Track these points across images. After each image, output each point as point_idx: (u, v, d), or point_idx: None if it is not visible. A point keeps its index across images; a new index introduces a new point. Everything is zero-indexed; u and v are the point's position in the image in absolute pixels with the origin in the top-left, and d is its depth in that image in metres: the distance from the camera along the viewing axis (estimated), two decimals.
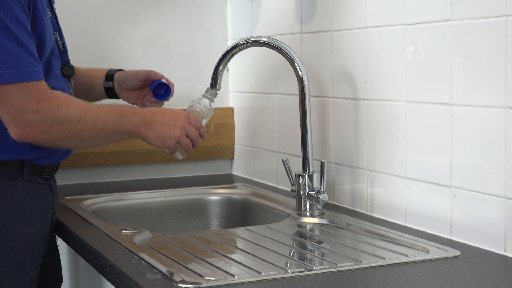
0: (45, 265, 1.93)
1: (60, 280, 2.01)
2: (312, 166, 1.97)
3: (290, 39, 2.27)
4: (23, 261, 1.80)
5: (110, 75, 2.10)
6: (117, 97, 2.11)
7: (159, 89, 2.05)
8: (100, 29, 2.53)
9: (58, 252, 2.01)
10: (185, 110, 1.93)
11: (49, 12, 1.84)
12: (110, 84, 2.09)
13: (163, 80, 2.04)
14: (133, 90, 2.08)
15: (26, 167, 1.80)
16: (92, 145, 1.83)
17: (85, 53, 2.50)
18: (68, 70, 1.90)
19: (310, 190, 1.96)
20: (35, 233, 1.84)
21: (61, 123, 1.70)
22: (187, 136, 1.86)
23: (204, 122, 1.95)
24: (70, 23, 2.48)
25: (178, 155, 1.91)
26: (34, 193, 1.83)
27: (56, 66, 1.86)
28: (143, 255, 1.59)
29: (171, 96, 2.05)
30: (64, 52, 1.91)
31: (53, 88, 1.78)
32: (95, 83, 2.10)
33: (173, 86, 2.06)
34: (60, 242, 2.03)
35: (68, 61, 1.92)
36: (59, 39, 1.89)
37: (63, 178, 2.48)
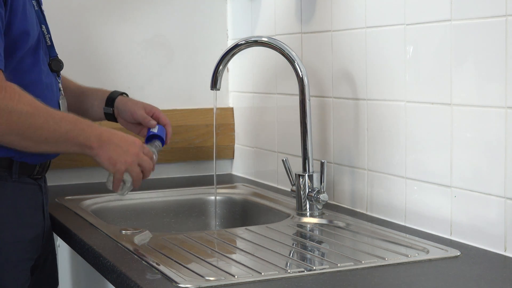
0: (42, 268, 1.91)
1: (56, 283, 2.00)
2: (312, 166, 1.98)
3: (290, 39, 2.27)
4: (13, 263, 1.78)
5: (111, 99, 2.05)
6: (116, 121, 2.07)
7: (153, 139, 2.00)
8: (99, 30, 2.53)
9: (55, 254, 2.00)
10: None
11: (34, 4, 1.82)
12: (110, 110, 2.05)
13: (156, 131, 1.98)
14: (130, 122, 2.05)
15: (15, 167, 1.78)
16: (39, 149, 1.74)
17: (85, 54, 2.50)
18: (56, 65, 1.87)
19: (310, 190, 1.96)
20: (25, 235, 1.81)
21: (11, 114, 1.64)
22: (139, 165, 1.81)
23: (156, 153, 1.91)
24: (69, 23, 2.48)
25: (123, 189, 1.82)
26: (23, 193, 1.81)
27: (44, 61, 1.83)
28: (143, 255, 1.59)
29: (166, 144, 2.01)
30: (51, 47, 1.88)
31: (40, 81, 1.76)
32: (96, 104, 2.06)
33: (170, 126, 2.01)
34: (60, 242, 2.03)
35: (56, 56, 1.89)
36: (46, 33, 1.87)
37: (63, 178, 2.48)
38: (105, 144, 1.75)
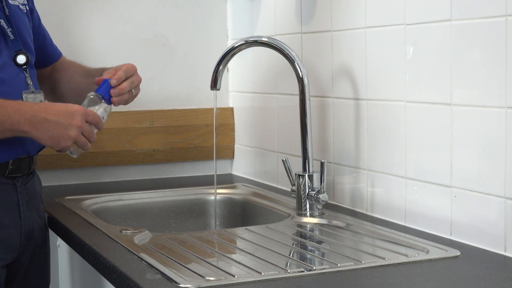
0: (27, 268, 1.90)
1: (47, 284, 1.99)
2: (312, 166, 1.97)
3: (290, 39, 2.27)
4: None
5: None
6: None
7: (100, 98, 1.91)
8: (100, 30, 2.53)
9: (47, 254, 1.98)
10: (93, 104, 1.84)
11: None
12: None
13: (98, 91, 1.88)
14: None
15: None
16: None
17: (84, 54, 2.50)
18: (20, 59, 1.83)
19: (310, 190, 1.96)
20: None
21: None
22: (83, 134, 1.76)
23: (100, 111, 1.83)
24: (68, 23, 2.48)
25: (73, 154, 1.81)
26: None
27: (2, 55, 1.79)
28: (143, 255, 1.59)
29: (114, 103, 1.88)
30: (15, 41, 1.84)
31: None
32: (92, 82, 2.07)
33: (111, 79, 1.88)
34: (60, 242, 2.03)
35: (20, 49, 1.85)
36: (6, 27, 1.82)
37: (63, 178, 2.48)
38: (41, 125, 1.71)
